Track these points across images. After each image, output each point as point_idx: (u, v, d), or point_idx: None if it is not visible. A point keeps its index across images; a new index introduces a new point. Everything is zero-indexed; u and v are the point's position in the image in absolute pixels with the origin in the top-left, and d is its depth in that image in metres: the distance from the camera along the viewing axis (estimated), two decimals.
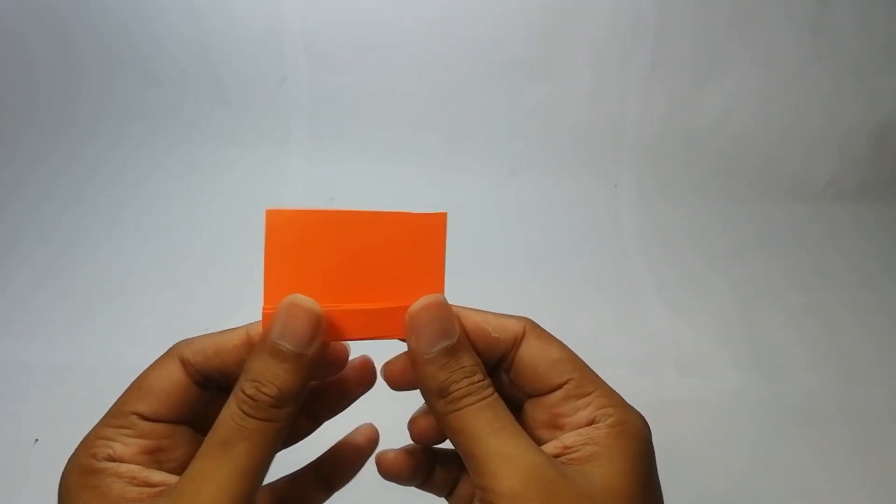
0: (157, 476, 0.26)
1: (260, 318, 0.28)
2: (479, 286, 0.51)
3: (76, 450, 0.27)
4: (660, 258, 0.91)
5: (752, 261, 0.91)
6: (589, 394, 0.28)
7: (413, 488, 0.32)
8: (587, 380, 0.28)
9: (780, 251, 0.93)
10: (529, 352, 0.29)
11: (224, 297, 0.76)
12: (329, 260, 0.28)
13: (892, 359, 0.78)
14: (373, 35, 0.97)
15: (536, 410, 0.29)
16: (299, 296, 0.27)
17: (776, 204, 1.00)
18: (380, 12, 0.95)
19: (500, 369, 0.30)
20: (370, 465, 0.32)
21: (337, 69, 0.98)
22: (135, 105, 1.00)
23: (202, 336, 0.29)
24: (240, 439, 0.25)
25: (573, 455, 0.26)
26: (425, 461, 0.31)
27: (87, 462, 0.26)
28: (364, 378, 0.32)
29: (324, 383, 0.32)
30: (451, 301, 0.29)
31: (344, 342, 0.30)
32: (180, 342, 0.29)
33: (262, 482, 0.26)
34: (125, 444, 0.27)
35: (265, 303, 0.28)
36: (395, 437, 0.33)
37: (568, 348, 0.29)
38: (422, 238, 0.28)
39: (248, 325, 0.29)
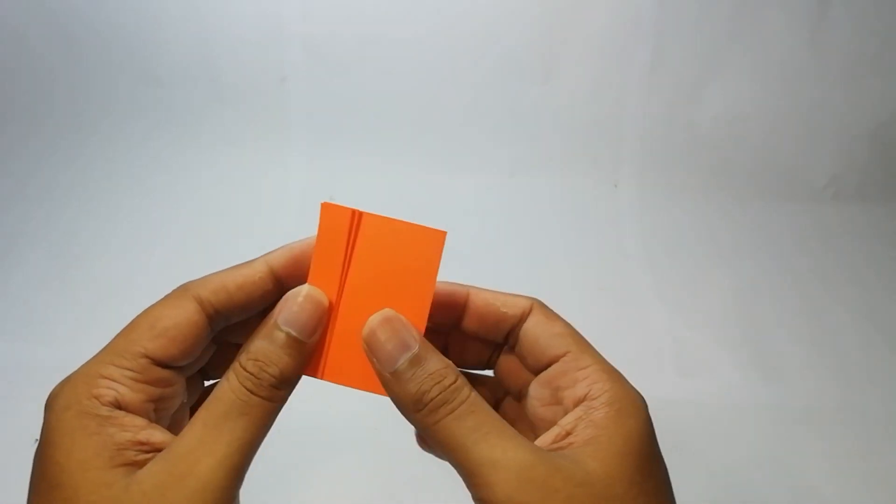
0: (159, 436, 0.25)
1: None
2: (479, 286, 0.51)
3: (72, 382, 0.25)
4: (660, 258, 0.91)
5: (752, 261, 0.92)
6: (586, 367, 0.28)
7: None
8: (585, 353, 0.28)
9: (779, 251, 0.93)
10: (534, 326, 0.29)
11: None
12: (351, 257, 0.28)
13: (890, 359, 0.78)
14: (372, 35, 0.97)
15: (540, 388, 0.30)
16: (311, 287, 0.28)
17: (775, 204, 1.00)
18: (379, 12, 0.95)
19: (506, 346, 0.31)
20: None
21: (337, 69, 0.98)
22: (135, 105, 1.00)
23: (213, 274, 0.29)
24: (240, 414, 0.25)
25: (572, 438, 0.26)
26: None
27: (88, 403, 0.24)
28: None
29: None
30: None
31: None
32: (189, 283, 0.28)
33: (253, 458, 0.26)
34: (132, 390, 0.25)
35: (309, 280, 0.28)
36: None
37: (572, 326, 0.30)
38: (418, 251, 0.28)
39: (264, 256, 0.29)
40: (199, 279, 0.28)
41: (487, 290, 0.30)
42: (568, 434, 0.26)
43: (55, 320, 0.79)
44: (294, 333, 0.26)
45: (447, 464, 0.26)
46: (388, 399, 0.27)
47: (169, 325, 0.26)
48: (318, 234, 0.28)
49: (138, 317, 0.27)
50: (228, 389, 0.25)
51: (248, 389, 0.25)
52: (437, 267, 0.28)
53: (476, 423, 0.25)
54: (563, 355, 0.28)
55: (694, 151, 1.01)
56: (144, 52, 0.98)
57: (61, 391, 0.25)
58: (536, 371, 0.30)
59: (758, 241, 0.95)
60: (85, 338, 0.77)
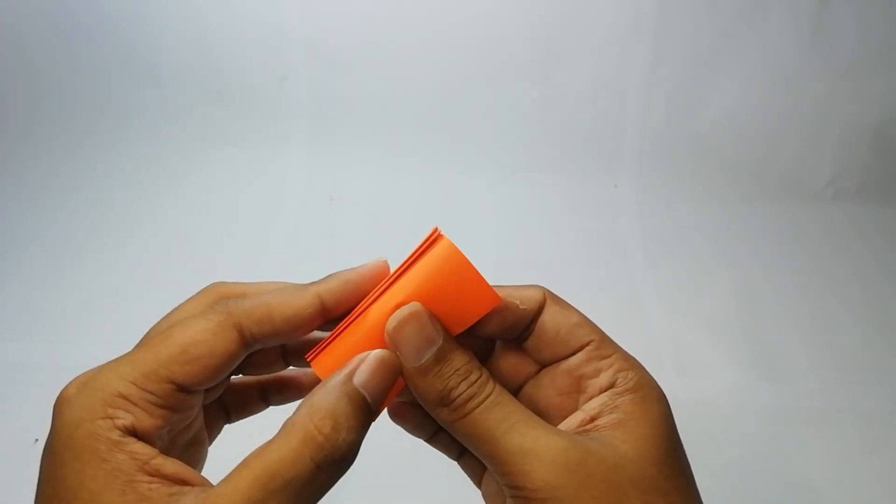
0: (171, 467, 0.23)
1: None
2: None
3: (89, 391, 0.24)
4: (660, 258, 0.91)
5: (752, 261, 0.91)
6: (610, 355, 0.28)
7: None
8: (606, 342, 0.29)
9: (779, 251, 0.93)
10: (551, 317, 0.29)
11: None
12: (406, 270, 0.27)
13: (891, 358, 0.78)
14: (372, 35, 0.97)
15: (557, 378, 0.29)
16: (389, 353, 0.26)
17: (775, 204, 1.00)
18: (379, 12, 0.95)
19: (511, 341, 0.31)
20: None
21: (337, 69, 0.98)
22: (135, 105, 1.00)
23: (260, 299, 0.26)
24: (294, 496, 0.22)
25: (599, 422, 0.26)
26: (431, 416, 0.31)
27: (103, 424, 0.23)
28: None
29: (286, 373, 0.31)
30: None
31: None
32: (231, 303, 0.26)
33: None
34: (150, 415, 0.24)
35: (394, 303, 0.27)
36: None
37: (583, 314, 0.30)
38: (469, 301, 0.28)
39: (315, 286, 0.27)
40: (245, 301, 0.26)
41: (499, 287, 0.29)
42: (593, 419, 0.26)
43: (55, 320, 0.79)
44: (368, 399, 0.24)
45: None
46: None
47: (203, 353, 0.25)
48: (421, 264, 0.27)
49: (171, 329, 0.25)
50: (290, 461, 0.22)
51: (315, 464, 0.22)
52: (474, 321, 0.28)
53: (503, 413, 0.25)
54: (587, 345, 0.28)
55: (694, 151, 1.01)
56: (144, 52, 0.98)
57: (76, 398, 0.24)
58: (552, 361, 0.30)
59: (758, 240, 0.95)
60: (84, 337, 0.78)
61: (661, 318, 0.83)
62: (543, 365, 0.30)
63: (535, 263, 0.90)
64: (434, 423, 0.31)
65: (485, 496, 0.31)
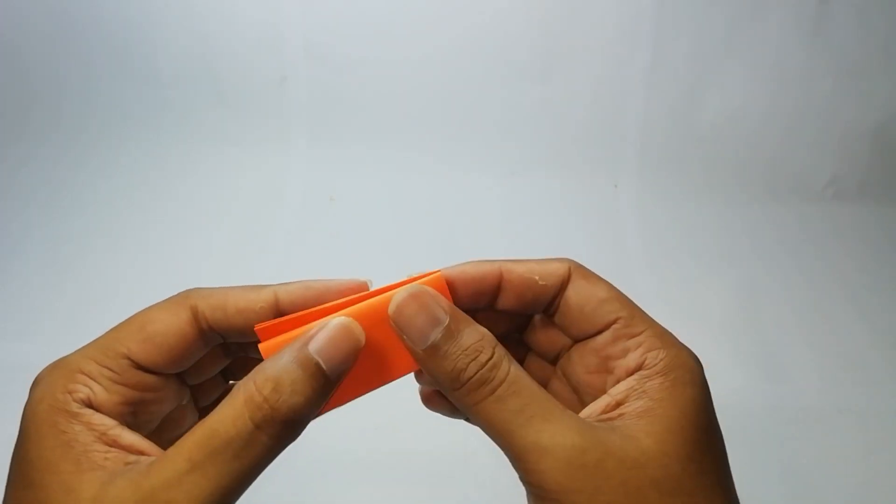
0: (128, 438, 0.24)
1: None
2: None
3: (54, 372, 0.25)
4: (660, 258, 0.91)
5: (752, 260, 0.91)
6: (639, 333, 0.26)
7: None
8: (637, 318, 0.27)
9: (779, 251, 0.93)
10: (576, 293, 0.28)
11: None
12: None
13: (892, 358, 0.78)
14: (373, 35, 0.97)
15: (585, 355, 0.28)
16: (351, 320, 0.25)
17: (776, 204, 1.00)
18: (379, 12, 0.95)
19: (542, 315, 0.29)
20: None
21: (337, 69, 0.98)
22: (135, 105, 1.00)
23: (220, 289, 0.27)
24: (234, 456, 0.22)
25: (624, 409, 0.24)
26: None
27: (62, 398, 0.24)
28: None
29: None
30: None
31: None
32: (193, 290, 0.27)
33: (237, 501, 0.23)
34: (107, 391, 0.24)
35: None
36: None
37: (615, 287, 0.28)
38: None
39: (275, 286, 0.27)
40: (206, 289, 0.27)
41: (519, 261, 0.28)
42: (619, 404, 0.25)
43: (55, 320, 0.79)
44: (324, 367, 0.23)
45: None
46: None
47: (157, 330, 0.26)
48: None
49: (133, 315, 0.26)
50: (230, 420, 0.22)
51: (254, 424, 0.22)
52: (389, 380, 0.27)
53: (519, 405, 0.24)
54: (614, 322, 0.27)
55: (694, 151, 1.01)
56: (144, 52, 0.98)
57: (42, 379, 0.25)
58: (580, 338, 0.28)
59: (758, 241, 0.95)
60: (84, 338, 0.77)
61: (661, 318, 0.82)
62: (576, 340, 0.29)
63: None
64: None
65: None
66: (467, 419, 0.30)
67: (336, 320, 0.25)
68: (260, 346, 0.25)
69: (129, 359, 0.25)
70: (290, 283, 0.27)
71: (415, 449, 0.64)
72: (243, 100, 1.00)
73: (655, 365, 0.25)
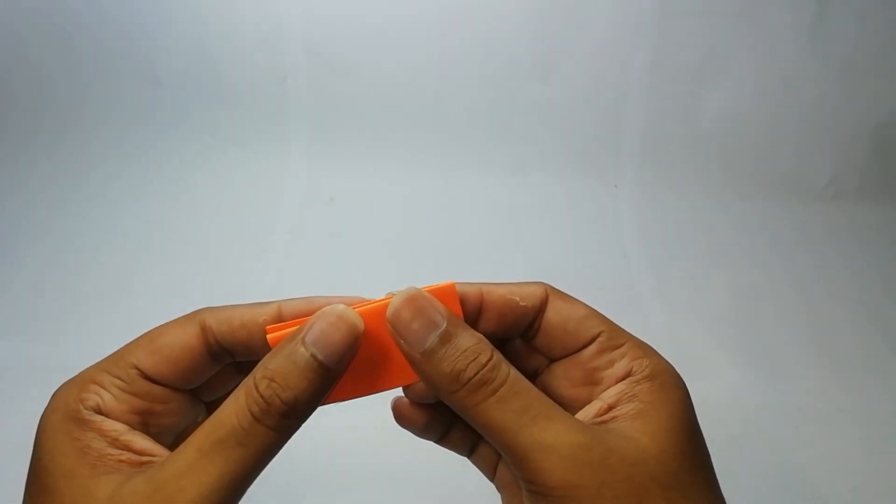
0: (140, 443, 0.25)
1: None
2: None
3: (69, 384, 0.26)
4: (660, 258, 0.91)
5: (752, 261, 0.91)
6: (622, 345, 0.28)
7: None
8: (617, 332, 0.28)
9: (779, 251, 0.93)
10: (556, 312, 0.29)
11: (225, 296, 0.76)
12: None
13: (891, 358, 0.78)
14: (373, 35, 0.97)
15: (570, 370, 0.29)
16: (346, 308, 0.25)
17: (776, 204, 1.00)
18: (380, 12, 0.95)
19: (516, 338, 0.30)
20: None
21: (337, 69, 0.98)
22: (135, 105, 1.00)
23: (230, 306, 0.28)
24: (238, 444, 0.23)
25: (617, 412, 0.26)
26: (439, 417, 0.31)
27: (74, 406, 0.25)
28: None
29: None
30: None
31: None
32: (205, 308, 0.28)
33: (245, 491, 0.24)
34: (116, 399, 0.25)
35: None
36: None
37: (589, 305, 0.29)
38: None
39: (281, 301, 0.28)
40: (217, 307, 0.28)
41: (499, 284, 0.29)
42: (611, 408, 0.26)
43: (55, 319, 0.79)
44: (320, 357, 0.24)
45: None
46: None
47: (166, 342, 0.27)
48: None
49: (147, 331, 0.28)
50: (232, 412, 0.23)
51: (253, 416, 0.23)
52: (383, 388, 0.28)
53: (522, 405, 0.24)
54: (598, 336, 0.28)
55: (694, 151, 1.01)
56: (144, 53, 0.98)
57: (57, 391, 0.26)
58: (561, 356, 0.29)
59: (758, 241, 0.95)
60: (85, 337, 0.78)
61: (661, 318, 0.83)
62: (555, 360, 0.30)
63: (535, 263, 0.90)
64: (442, 423, 0.31)
65: (499, 486, 0.31)
66: (438, 441, 0.31)
67: (329, 308, 0.25)
68: (268, 336, 0.26)
69: (137, 368, 0.26)
70: (294, 298, 0.28)
71: (416, 449, 0.64)
72: (243, 99, 1.00)
73: (642, 371, 0.27)
